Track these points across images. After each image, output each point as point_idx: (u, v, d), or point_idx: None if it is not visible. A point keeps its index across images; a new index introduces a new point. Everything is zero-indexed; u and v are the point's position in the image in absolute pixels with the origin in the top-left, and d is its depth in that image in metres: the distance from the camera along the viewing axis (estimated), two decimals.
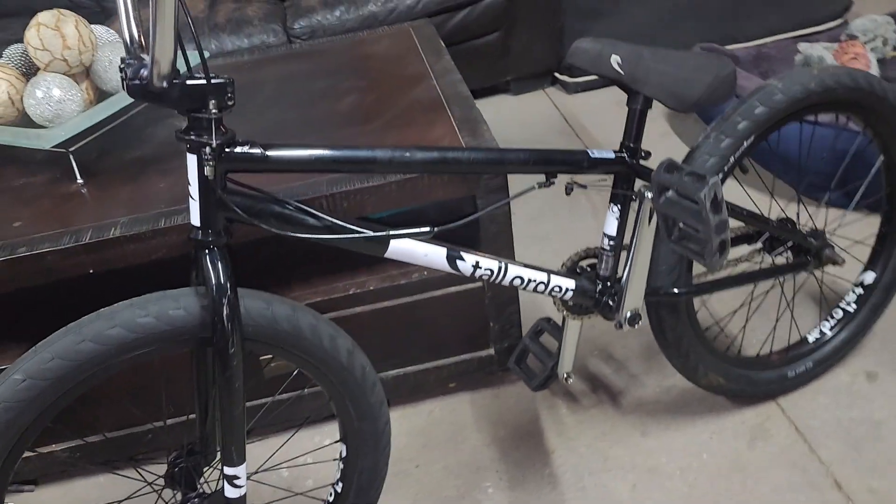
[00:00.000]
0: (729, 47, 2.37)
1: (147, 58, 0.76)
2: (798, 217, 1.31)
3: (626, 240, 1.13)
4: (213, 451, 1.04)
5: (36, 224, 1.20)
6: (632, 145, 1.07)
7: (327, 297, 1.30)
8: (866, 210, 1.76)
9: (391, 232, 0.93)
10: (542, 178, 1.02)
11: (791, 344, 1.42)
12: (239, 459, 0.94)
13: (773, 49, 2.35)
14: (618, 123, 2.29)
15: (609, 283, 1.14)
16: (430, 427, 1.42)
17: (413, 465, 1.36)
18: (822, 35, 2.52)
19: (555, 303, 1.19)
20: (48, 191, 1.30)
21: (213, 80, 0.79)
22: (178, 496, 1.01)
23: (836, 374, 1.41)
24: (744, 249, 1.32)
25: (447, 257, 1.00)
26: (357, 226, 0.93)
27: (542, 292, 1.09)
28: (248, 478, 1.18)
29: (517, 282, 1.06)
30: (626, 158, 1.07)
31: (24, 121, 1.33)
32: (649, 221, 1.07)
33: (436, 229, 0.93)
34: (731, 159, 1.11)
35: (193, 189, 0.84)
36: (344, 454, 1.08)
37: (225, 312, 0.86)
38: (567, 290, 1.11)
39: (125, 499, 1.21)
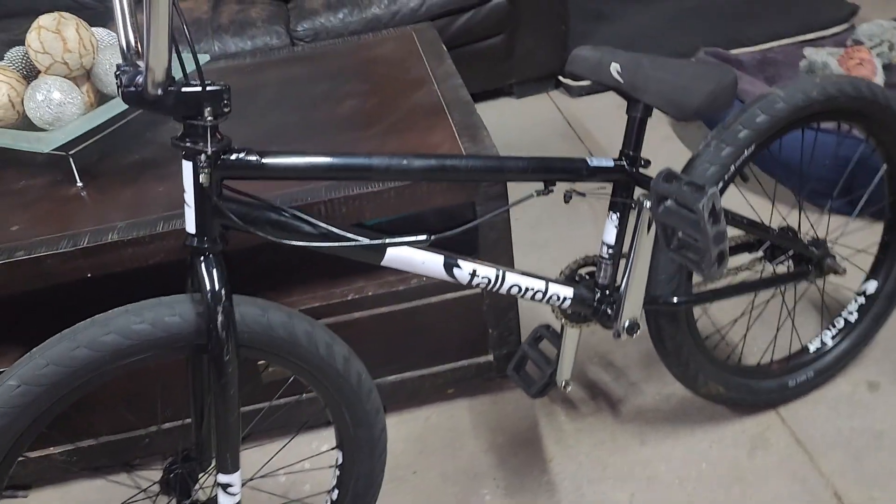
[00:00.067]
0: (734, 51, 2.36)
1: (143, 64, 0.76)
2: (799, 225, 1.30)
3: (626, 248, 1.12)
4: (209, 458, 1.03)
5: (34, 228, 1.20)
6: (631, 153, 1.06)
7: (325, 302, 1.29)
8: (870, 217, 1.74)
9: (387, 240, 0.93)
10: (540, 185, 1.02)
11: (792, 353, 1.41)
12: (233, 467, 0.93)
13: (778, 54, 2.33)
14: (621, 128, 2.30)
15: (608, 292, 1.14)
16: (428, 433, 1.42)
17: (410, 471, 1.35)
18: (829, 40, 2.50)
19: (553, 311, 1.18)
20: (48, 194, 1.30)
21: (208, 88, 0.79)
22: (173, 503, 1.01)
23: (837, 384, 1.40)
24: (744, 258, 1.31)
25: (444, 265, 1.00)
26: (353, 233, 0.93)
27: (540, 301, 1.09)
28: (244, 484, 1.17)
29: (514, 290, 1.06)
30: (626, 166, 1.06)
31: (25, 123, 1.34)
32: (648, 230, 1.06)
33: (432, 237, 0.93)
34: (732, 168, 1.10)
35: (189, 196, 0.84)
36: (340, 461, 1.08)
37: (220, 320, 0.85)
38: (565, 298, 1.11)
39: None
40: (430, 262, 0.98)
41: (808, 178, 1.80)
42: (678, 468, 1.29)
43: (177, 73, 0.79)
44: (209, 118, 0.80)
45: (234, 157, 0.85)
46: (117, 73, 0.78)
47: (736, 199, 1.38)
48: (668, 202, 0.96)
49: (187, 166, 0.83)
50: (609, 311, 1.13)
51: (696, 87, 0.98)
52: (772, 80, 2.20)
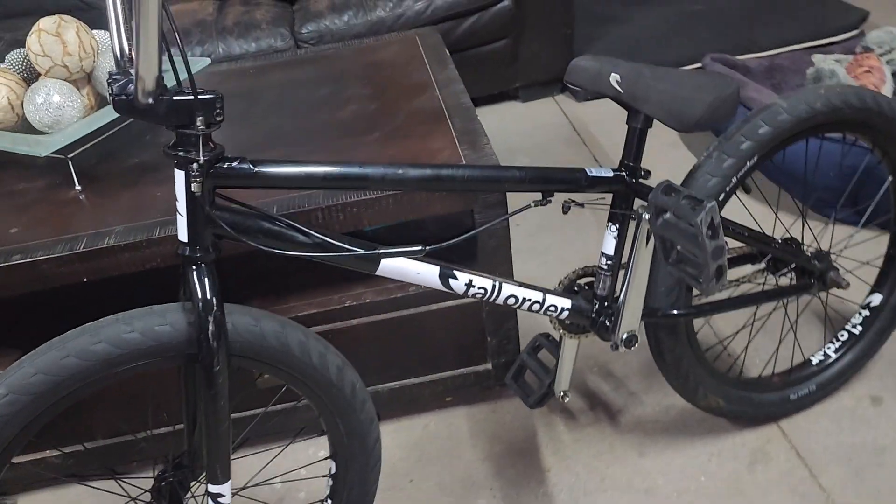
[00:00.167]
0: (741, 57, 2.33)
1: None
2: (802, 236, 1.28)
3: (625, 259, 1.11)
4: (201, 466, 1.03)
5: (32, 231, 1.20)
6: (631, 164, 1.05)
7: (323, 308, 1.29)
8: (877, 228, 1.72)
9: (382, 250, 0.92)
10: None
11: (794, 366, 1.39)
12: (223, 477, 0.93)
13: (786, 60, 2.31)
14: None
15: (606, 303, 1.12)
16: (426, 441, 1.41)
17: (407, 479, 1.35)
18: (838, 46, 2.47)
19: (551, 321, 1.17)
20: (46, 197, 1.30)
21: (200, 96, 0.78)
22: None
23: (839, 398, 1.38)
24: (746, 269, 1.30)
25: (440, 275, 0.99)
26: (348, 243, 0.92)
27: (538, 312, 1.08)
28: (240, 491, 1.17)
29: (511, 301, 1.05)
30: (625, 177, 1.05)
31: (24, 126, 1.33)
32: (647, 242, 1.05)
33: (427, 248, 0.92)
34: (734, 179, 1.09)
35: (181, 205, 0.83)
36: (333, 471, 1.07)
37: (210, 329, 0.85)
38: (563, 309, 1.10)
39: None
40: (425, 273, 0.97)
41: (813, 187, 1.78)
42: (677, 481, 1.28)
43: (171, 81, 0.78)
44: (201, 127, 0.79)
45: (227, 165, 0.84)
46: (109, 80, 0.77)
47: (738, 208, 1.36)
48: (667, 215, 0.95)
49: (179, 175, 0.82)
50: (607, 322, 1.12)
51: (697, 99, 0.96)
52: (779, 87, 2.17)
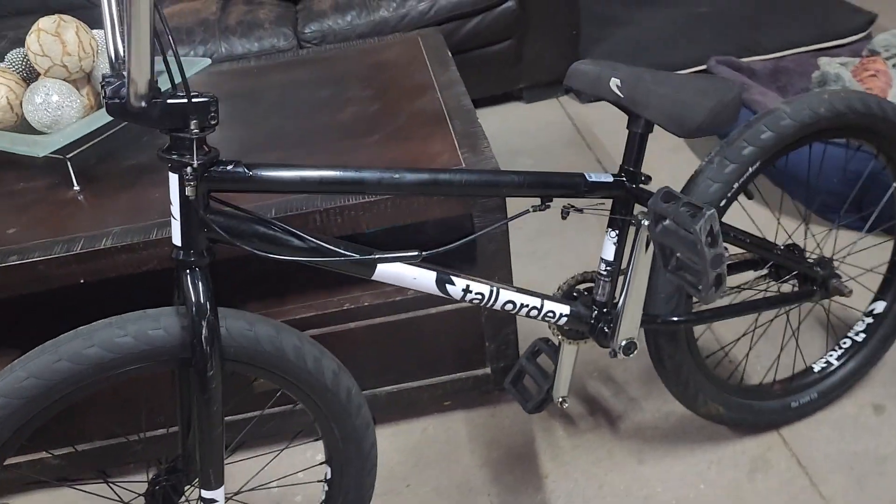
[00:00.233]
0: (746, 60, 2.31)
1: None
2: (805, 242, 1.27)
3: (625, 265, 1.10)
4: (195, 469, 1.02)
5: (30, 231, 1.20)
6: (631, 169, 1.04)
7: (321, 311, 1.28)
8: (882, 234, 1.70)
9: (377, 255, 0.91)
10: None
11: (796, 373, 1.38)
12: (217, 483, 0.92)
13: (791, 63, 2.29)
14: None
15: (605, 310, 1.11)
16: (424, 445, 1.40)
17: (404, 484, 1.34)
18: (845, 49, 2.46)
19: (549, 327, 1.16)
20: (45, 197, 1.30)
21: (194, 99, 0.77)
22: None
23: (841, 406, 1.37)
24: (748, 275, 1.28)
25: (437, 281, 0.98)
26: (344, 247, 0.91)
27: (536, 317, 1.07)
28: (235, 495, 1.17)
29: (509, 307, 1.04)
30: (625, 182, 1.04)
31: (23, 126, 1.33)
32: (646, 249, 1.03)
33: (423, 253, 0.91)
34: (736, 185, 1.08)
35: (175, 209, 0.83)
36: (329, 476, 1.06)
37: (204, 334, 0.84)
38: (561, 315, 1.09)
39: None
40: (421, 278, 0.96)
41: (817, 192, 1.77)
42: (676, 488, 1.26)
43: (167, 84, 0.78)
44: (195, 131, 0.78)
45: (221, 169, 0.83)
46: (102, 83, 0.76)
47: (739, 214, 1.35)
48: (667, 222, 0.94)
49: (173, 179, 0.81)
50: (606, 329, 1.11)
51: (698, 103, 0.95)
52: (784, 90, 2.16)
